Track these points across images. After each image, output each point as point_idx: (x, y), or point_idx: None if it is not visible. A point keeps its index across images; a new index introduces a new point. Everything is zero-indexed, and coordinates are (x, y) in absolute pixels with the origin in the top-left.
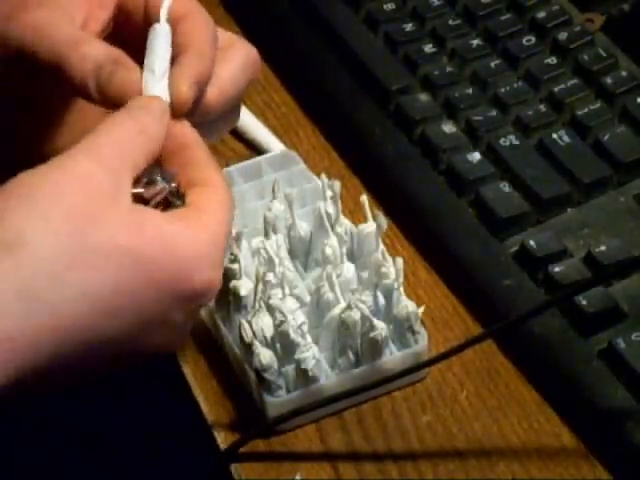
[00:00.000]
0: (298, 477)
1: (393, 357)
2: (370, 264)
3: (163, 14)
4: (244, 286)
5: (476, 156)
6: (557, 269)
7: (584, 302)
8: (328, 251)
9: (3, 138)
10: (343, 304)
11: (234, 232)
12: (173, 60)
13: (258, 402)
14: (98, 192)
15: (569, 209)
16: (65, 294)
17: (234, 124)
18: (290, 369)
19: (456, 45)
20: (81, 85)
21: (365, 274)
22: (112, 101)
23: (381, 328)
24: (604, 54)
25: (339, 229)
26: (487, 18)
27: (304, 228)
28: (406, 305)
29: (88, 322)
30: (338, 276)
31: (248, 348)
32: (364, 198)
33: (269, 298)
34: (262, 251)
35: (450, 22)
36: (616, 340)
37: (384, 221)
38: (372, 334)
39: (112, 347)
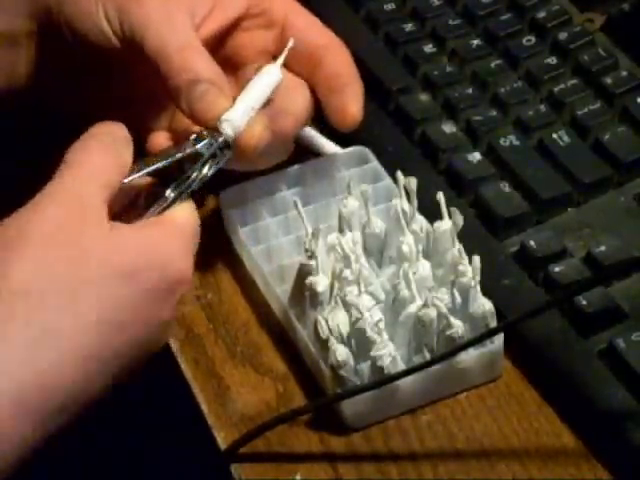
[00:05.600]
0: (298, 477)
1: (469, 356)
2: (446, 262)
3: (280, 60)
4: (321, 282)
5: (476, 156)
6: (557, 269)
7: (584, 302)
8: (405, 248)
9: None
10: (419, 302)
11: (310, 229)
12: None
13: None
14: (82, 226)
15: (569, 209)
16: (76, 326)
17: (285, 156)
18: (365, 366)
19: (456, 45)
20: (174, 93)
21: (440, 272)
22: (196, 117)
23: (458, 326)
24: (604, 54)
25: (415, 226)
26: (487, 18)
27: (379, 225)
28: (482, 304)
29: (99, 346)
30: (414, 274)
31: (324, 344)
32: (440, 195)
33: (345, 295)
34: (338, 248)
35: (450, 22)
36: (616, 340)
37: (460, 218)
38: (449, 332)
39: (121, 360)
